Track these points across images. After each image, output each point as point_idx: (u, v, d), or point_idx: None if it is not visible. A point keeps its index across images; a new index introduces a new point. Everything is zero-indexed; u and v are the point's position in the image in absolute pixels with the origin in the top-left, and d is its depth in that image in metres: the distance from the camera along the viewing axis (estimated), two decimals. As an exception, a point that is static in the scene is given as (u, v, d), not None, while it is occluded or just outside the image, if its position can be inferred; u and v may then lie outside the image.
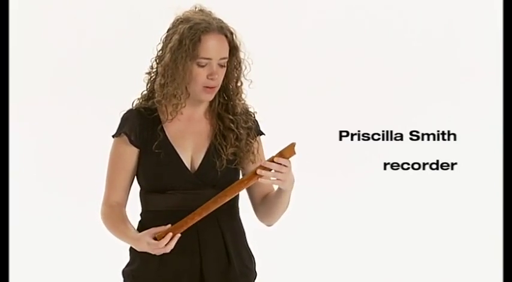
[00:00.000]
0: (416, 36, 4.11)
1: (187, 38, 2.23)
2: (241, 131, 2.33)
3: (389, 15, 4.10)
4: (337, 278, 4.06)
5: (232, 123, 2.33)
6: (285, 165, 2.16)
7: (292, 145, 2.19)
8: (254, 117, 2.40)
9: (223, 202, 2.21)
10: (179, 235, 2.17)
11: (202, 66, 2.25)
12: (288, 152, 2.18)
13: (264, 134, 2.42)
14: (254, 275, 2.37)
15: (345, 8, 4.11)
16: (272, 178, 2.17)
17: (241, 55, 2.31)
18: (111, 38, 4.01)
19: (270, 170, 2.17)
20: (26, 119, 4.01)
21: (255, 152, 2.35)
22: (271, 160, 2.17)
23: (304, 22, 4.09)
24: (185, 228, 2.18)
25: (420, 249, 4.10)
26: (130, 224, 2.30)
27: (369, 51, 4.09)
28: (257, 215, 2.39)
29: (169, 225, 2.18)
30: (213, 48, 2.24)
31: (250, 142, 2.34)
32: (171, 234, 2.16)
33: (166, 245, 2.15)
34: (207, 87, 2.26)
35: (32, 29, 4.03)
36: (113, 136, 2.33)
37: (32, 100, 4.04)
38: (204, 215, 2.20)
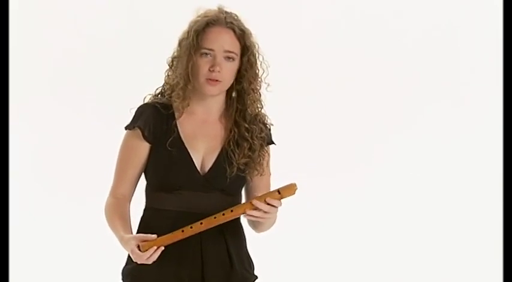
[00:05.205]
0: (417, 36, 4.11)
1: (192, 28, 2.24)
2: (256, 142, 2.30)
3: (389, 16, 4.10)
4: (337, 277, 4.06)
5: (247, 132, 2.30)
6: (274, 206, 2.15)
7: (293, 185, 2.15)
8: (270, 128, 2.38)
9: (211, 226, 2.18)
10: (162, 248, 2.14)
11: (206, 58, 2.24)
12: (287, 191, 2.15)
13: (274, 143, 2.39)
14: (254, 278, 2.37)
15: (344, 8, 4.11)
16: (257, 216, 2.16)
17: (260, 58, 2.30)
18: (111, 37, 4.01)
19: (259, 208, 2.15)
20: (26, 118, 4.01)
21: (265, 164, 2.33)
22: (264, 199, 2.14)
23: (304, 22, 4.09)
24: (171, 242, 2.15)
25: (420, 249, 4.11)
26: (128, 222, 2.28)
27: (369, 51, 4.10)
28: (248, 223, 2.39)
29: (155, 236, 2.15)
30: (216, 39, 2.24)
31: (263, 154, 2.32)
32: (155, 247, 2.13)
33: (149, 257, 2.13)
34: (210, 79, 2.24)
35: (32, 29, 4.03)
36: (126, 128, 2.30)
37: (32, 100, 4.04)
38: (191, 234, 2.17)
